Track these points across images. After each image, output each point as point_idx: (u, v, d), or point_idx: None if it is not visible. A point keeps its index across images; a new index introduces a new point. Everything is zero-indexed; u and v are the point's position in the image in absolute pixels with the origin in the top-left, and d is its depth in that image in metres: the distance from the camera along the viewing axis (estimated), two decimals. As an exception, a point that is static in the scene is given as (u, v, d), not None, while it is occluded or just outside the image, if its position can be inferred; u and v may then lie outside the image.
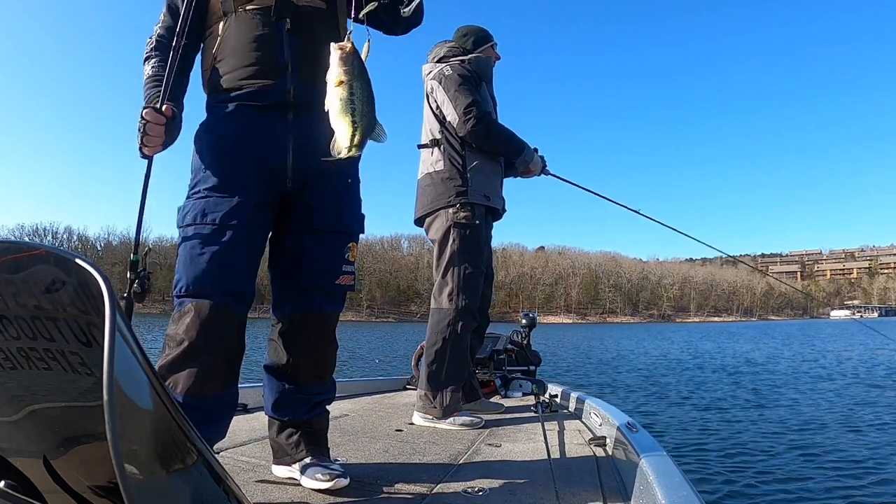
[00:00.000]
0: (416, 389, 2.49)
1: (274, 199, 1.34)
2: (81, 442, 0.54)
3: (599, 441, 1.79)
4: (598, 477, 1.43)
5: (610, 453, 1.69)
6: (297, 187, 1.35)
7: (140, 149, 1.27)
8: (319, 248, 1.36)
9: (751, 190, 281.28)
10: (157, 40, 1.40)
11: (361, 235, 1.47)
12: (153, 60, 1.37)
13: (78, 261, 0.49)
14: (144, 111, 1.24)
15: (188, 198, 1.32)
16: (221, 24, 1.35)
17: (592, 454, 1.70)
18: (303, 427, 1.40)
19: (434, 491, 1.35)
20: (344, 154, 1.18)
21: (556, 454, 1.67)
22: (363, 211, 1.49)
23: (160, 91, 1.29)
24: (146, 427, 0.49)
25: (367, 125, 1.19)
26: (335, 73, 1.18)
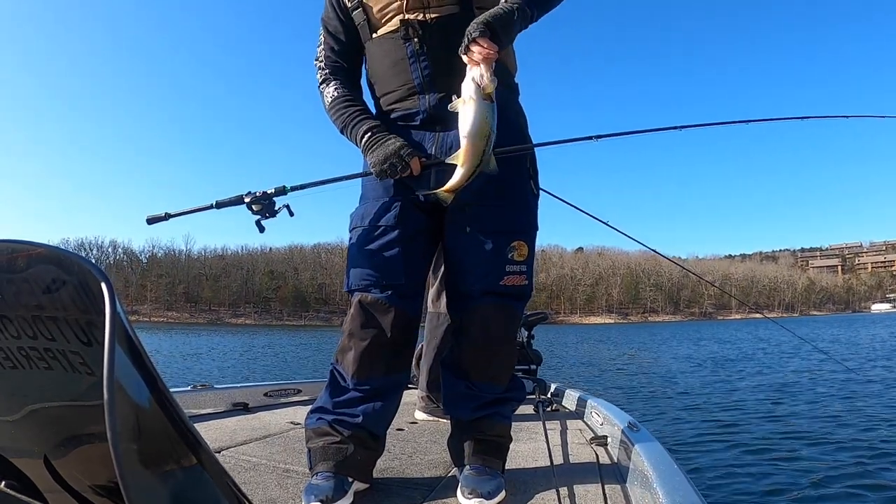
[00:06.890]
0: (416, 389, 2.48)
1: (421, 203, 1.37)
2: (83, 441, 0.54)
3: (601, 440, 1.79)
4: (599, 476, 1.43)
5: (611, 453, 1.69)
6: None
7: (382, 173, 1.30)
8: (473, 250, 1.34)
9: (791, 185, 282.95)
10: (327, 64, 1.45)
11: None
12: (334, 83, 1.43)
13: (78, 260, 0.49)
14: (410, 159, 1.29)
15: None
16: (368, 45, 1.41)
17: (594, 453, 1.70)
18: (470, 429, 1.36)
19: (435, 489, 1.35)
20: (441, 194, 1.25)
21: (557, 453, 1.67)
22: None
23: (361, 115, 1.38)
24: (147, 427, 0.49)
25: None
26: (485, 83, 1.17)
